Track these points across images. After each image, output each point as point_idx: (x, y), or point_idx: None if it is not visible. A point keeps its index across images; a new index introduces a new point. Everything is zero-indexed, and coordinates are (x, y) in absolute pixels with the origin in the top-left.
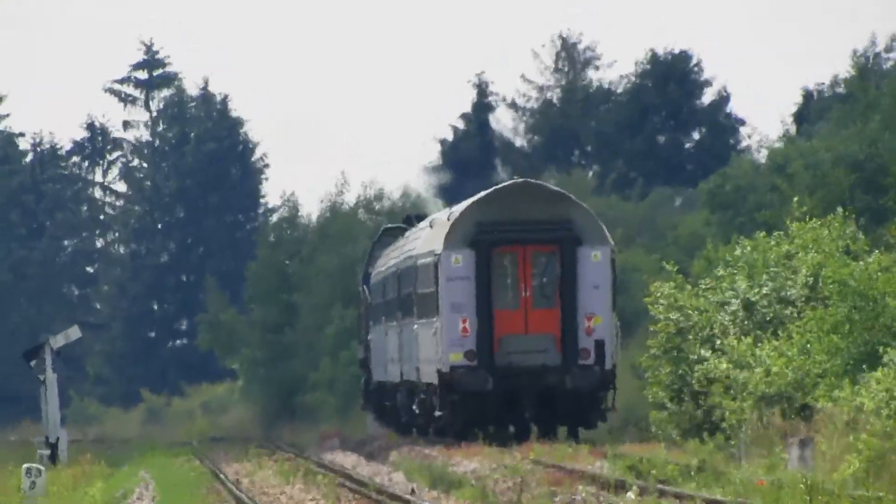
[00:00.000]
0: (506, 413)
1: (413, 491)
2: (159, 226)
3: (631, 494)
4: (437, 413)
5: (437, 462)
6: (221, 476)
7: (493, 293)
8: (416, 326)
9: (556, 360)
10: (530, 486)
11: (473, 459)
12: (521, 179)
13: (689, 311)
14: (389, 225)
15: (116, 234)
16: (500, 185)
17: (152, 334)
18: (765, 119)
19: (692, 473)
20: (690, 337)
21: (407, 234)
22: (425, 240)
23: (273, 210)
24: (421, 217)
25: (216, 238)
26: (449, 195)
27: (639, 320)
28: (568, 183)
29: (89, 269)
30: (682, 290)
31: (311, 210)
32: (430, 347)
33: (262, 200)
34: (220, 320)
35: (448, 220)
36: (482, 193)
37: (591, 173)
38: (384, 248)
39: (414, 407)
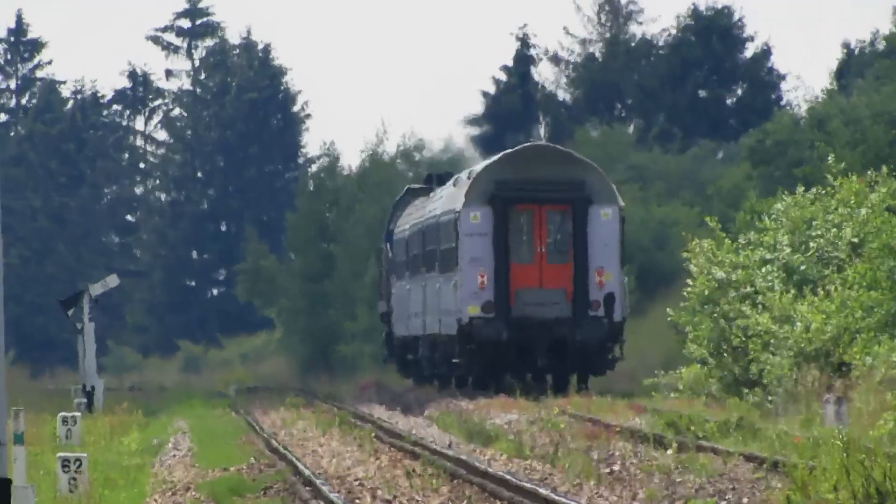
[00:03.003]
0: (520, 362)
1: (450, 444)
2: (199, 174)
3: (669, 450)
4: (455, 361)
5: (473, 416)
6: (257, 427)
7: (509, 249)
8: (438, 280)
9: (567, 312)
10: (566, 440)
11: (510, 412)
12: (538, 142)
13: (729, 268)
14: (412, 185)
15: (157, 183)
16: (517, 147)
17: (191, 283)
18: (805, 75)
19: (730, 430)
20: (731, 293)
21: (431, 193)
22: (448, 198)
23: (313, 160)
24: (443, 176)
25: (256, 187)
26: (489, 147)
27: (678, 275)
28: (609, 136)
29: (129, 218)
30: (722, 247)
31: (350, 160)
32: (451, 300)
33: (302, 150)
34: (259, 269)
35: (468, 178)
36: (501, 154)
37: (632, 127)
38: (406, 207)
39: (435, 357)
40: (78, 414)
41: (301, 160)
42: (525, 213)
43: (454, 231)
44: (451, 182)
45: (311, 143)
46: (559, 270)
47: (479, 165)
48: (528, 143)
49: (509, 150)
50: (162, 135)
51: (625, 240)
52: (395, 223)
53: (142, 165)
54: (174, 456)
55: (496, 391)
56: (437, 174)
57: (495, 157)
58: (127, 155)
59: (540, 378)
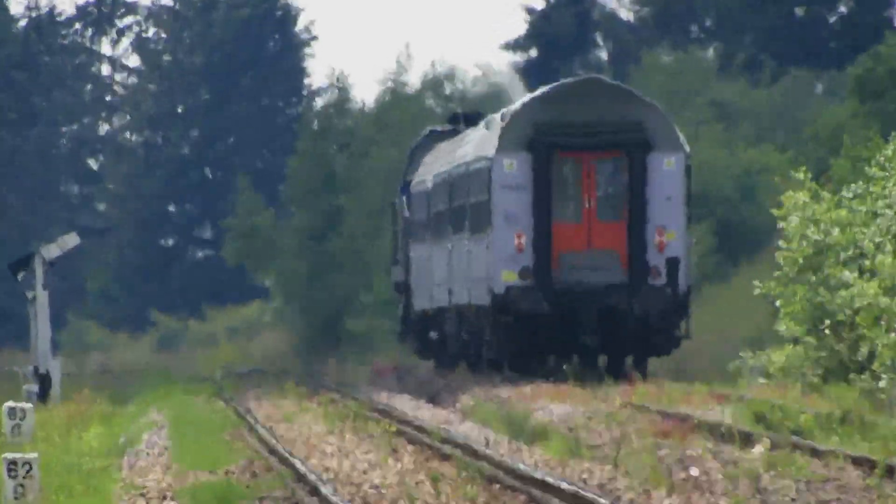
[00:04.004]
0: (565, 339)
1: (487, 443)
2: (179, 110)
3: (758, 448)
4: (487, 338)
5: (516, 407)
6: (250, 420)
7: (552, 204)
8: (467, 242)
9: (621, 278)
10: (631, 437)
11: (561, 403)
12: (586, 75)
13: (829, 227)
14: (435, 127)
15: (127, 120)
16: (562, 81)
17: (169, 243)
18: None
19: (833, 425)
20: (831, 257)
21: (457, 136)
22: (478, 143)
23: (319, 93)
24: (472, 116)
25: (249, 126)
26: (536, 78)
27: (768, 234)
28: (684, 64)
29: (92, 163)
30: (820, 201)
31: (365, 93)
32: (482, 266)
33: (305, 81)
34: (253, 226)
35: (502, 120)
36: (541, 90)
37: (711, 52)
38: (427, 154)
39: (463, 334)
40: (28, 405)
41: (304, 93)
42: (570, 162)
43: (486, 182)
44: (482, 123)
45: (317, 71)
46: (611, 229)
47: (516, 104)
48: (575, 77)
49: (552, 86)
50: (133, 60)
51: (691, 194)
52: (414, 173)
53: (108, 99)
54: (147, 456)
55: (543, 376)
56: (464, 114)
57: (535, 94)
58: (90, 86)
59: (589, 360)
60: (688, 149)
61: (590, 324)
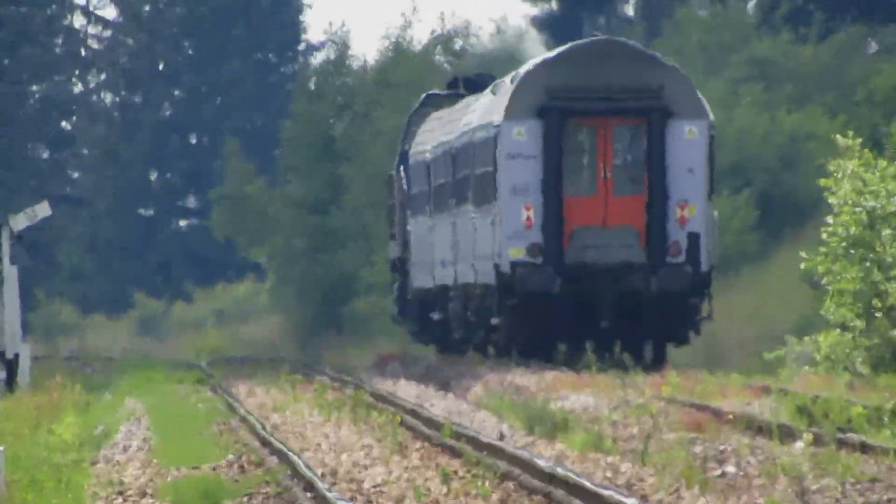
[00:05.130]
0: (577, 323)
1: (502, 436)
2: (161, 66)
3: (800, 444)
4: (494, 321)
5: (535, 397)
6: (241, 410)
7: (564, 175)
8: (472, 216)
9: (640, 256)
10: (661, 430)
11: (583, 392)
12: (602, 36)
13: (884, 198)
14: (433, 91)
15: (102, 78)
16: (576, 43)
17: (149, 213)
18: None
19: (884, 418)
20: (885, 231)
21: (460, 102)
22: (484, 109)
23: (316, 48)
24: (473, 80)
25: (239, 85)
26: (557, 33)
27: (815, 207)
28: (722, 17)
29: (65, 125)
30: (874, 169)
31: (367, 50)
32: (488, 242)
33: (302, 36)
34: (243, 197)
35: (511, 83)
36: (553, 52)
37: (751, 4)
38: (426, 120)
39: (469, 315)
40: None
41: (301, 48)
42: (585, 129)
43: (492, 151)
44: (489, 88)
45: (315, 25)
46: (629, 203)
47: (526, 65)
48: (589, 39)
49: (565, 47)
50: (110, 11)
51: (715, 164)
52: (412, 142)
53: (83, 53)
54: (125, 449)
55: (556, 363)
56: (465, 77)
57: (546, 56)
58: (61, 39)
59: (604, 345)
60: (712, 116)
61: (605, 306)
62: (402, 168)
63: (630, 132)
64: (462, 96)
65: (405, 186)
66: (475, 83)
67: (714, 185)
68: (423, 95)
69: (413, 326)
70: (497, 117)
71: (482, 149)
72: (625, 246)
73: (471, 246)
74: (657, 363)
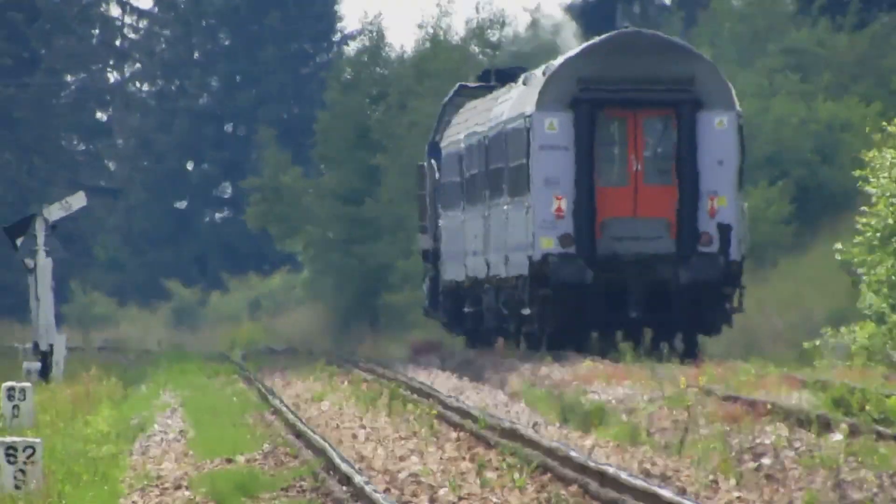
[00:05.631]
0: (608, 313)
1: (535, 426)
2: (197, 56)
3: (836, 436)
4: (525, 311)
5: (569, 389)
6: (276, 402)
7: (595, 166)
8: (506, 207)
9: (670, 248)
10: (697, 422)
11: (619, 384)
12: (633, 28)
13: None
14: (466, 83)
15: (138, 68)
16: (607, 35)
17: (184, 205)
18: None
19: None
20: None
21: (493, 93)
22: (516, 100)
23: (352, 37)
24: (505, 72)
25: (275, 75)
26: (593, 23)
27: (851, 198)
28: (758, 6)
29: (100, 116)
30: None
31: (403, 40)
32: (521, 232)
33: (337, 25)
34: (278, 187)
35: (543, 75)
36: (584, 45)
37: None
38: (459, 112)
39: (502, 307)
40: (28, 385)
41: (336, 38)
42: (616, 121)
43: (524, 143)
44: (521, 79)
45: (350, 14)
46: (659, 194)
47: (558, 59)
48: (619, 30)
49: (596, 39)
50: (146, 2)
51: (745, 155)
52: (444, 133)
53: (118, 43)
54: (160, 441)
55: (586, 353)
56: (497, 69)
57: (578, 49)
58: (97, 29)
59: (635, 336)
60: (739, 108)
61: (636, 297)
62: (433, 160)
63: (660, 123)
64: (494, 88)
65: (437, 177)
66: (507, 75)
67: (744, 176)
68: (456, 86)
69: (444, 318)
70: (529, 108)
71: (515, 139)
72: (656, 237)
73: (503, 237)
74: (689, 353)
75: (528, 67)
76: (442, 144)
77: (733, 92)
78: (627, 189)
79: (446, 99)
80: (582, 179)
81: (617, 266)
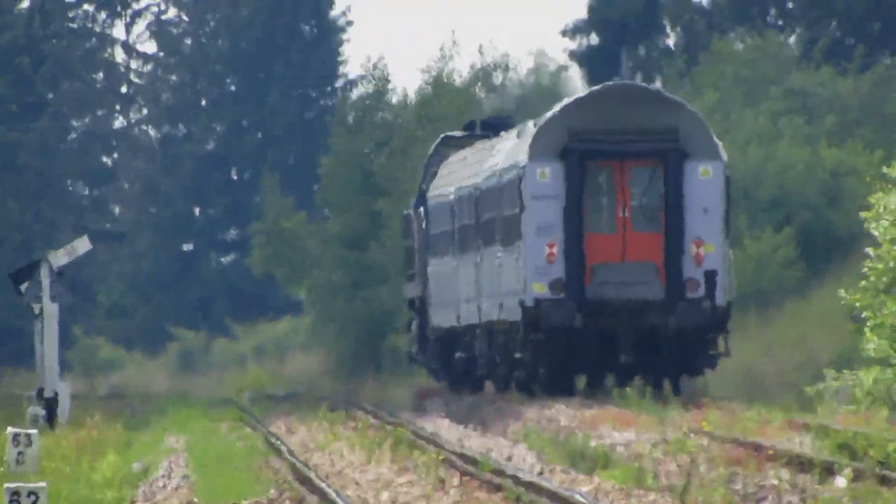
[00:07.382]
0: (599, 357)
1: (541, 471)
2: (203, 102)
3: (841, 480)
4: (518, 355)
5: (575, 434)
6: (282, 448)
7: (584, 214)
8: (500, 256)
9: (658, 293)
10: (701, 466)
11: (625, 429)
12: (620, 81)
13: None
14: (451, 133)
15: (143, 114)
16: (595, 88)
17: (190, 249)
18: None
19: None
20: None
21: (483, 144)
22: (509, 151)
23: (355, 82)
24: (491, 122)
25: (279, 120)
26: (596, 67)
27: (856, 242)
28: (760, 50)
29: (105, 160)
30: None
31: (406, 83)
32: (513, 279)
33: (341, 70)
34: (282, 231)
35: (534, 126)
36: (574, 97)
37: (792, 38)
38: (444, 162)
39: (494, 353)
40: (34, 430)
41: (340, 83)
42: (605, 170)
43: (517, 192)
44: (513, 131)
45: (354, 59)
46: (647, 241)
47: (549, 111)
48: (610, 82)
49: (585, 93)
50: (150, 46)
51: (731, 204)
52: (431, 182)
53: (123, 89)
54: (164, 487)
55: (580, 396)
56: (482, 120)
57: (568, 101)
58: (102, 74)
59: (625, 379)
60: (725, 157)
61: (626, 340)
62: (421, 210)
63: (647, 172)
64: (479, 137)
65: (424, 226)
66: (492, 125)
67: (730, 224)
68: (440, 137)
69: (432, 363)
70: (522, 158)
71: (508, 189)
72: (644, 282)
73: (496, 284)
74: (674, 392)
75: (518, 118)
76: (429, 195)
77: (718, 142)
78: (616, 236)
79: (431, 149)
80: (572, 226)
81: (607, 311)
